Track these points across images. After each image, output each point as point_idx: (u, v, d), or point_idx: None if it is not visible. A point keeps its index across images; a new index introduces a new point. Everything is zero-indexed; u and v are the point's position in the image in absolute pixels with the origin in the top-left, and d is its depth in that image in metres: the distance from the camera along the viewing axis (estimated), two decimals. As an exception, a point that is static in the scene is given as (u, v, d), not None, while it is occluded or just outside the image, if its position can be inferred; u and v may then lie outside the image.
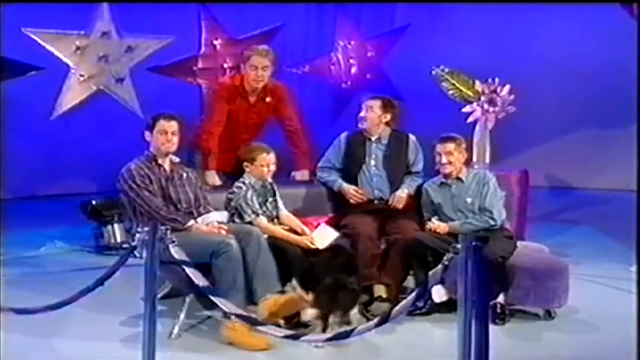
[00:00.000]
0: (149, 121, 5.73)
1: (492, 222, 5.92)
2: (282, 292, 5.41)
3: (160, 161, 5.66)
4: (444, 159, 6.02)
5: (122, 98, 8.97)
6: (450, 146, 6.02)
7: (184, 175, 5.74)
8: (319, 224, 5.98)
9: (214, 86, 6.88)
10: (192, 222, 5.56)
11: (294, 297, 5.36)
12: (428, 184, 6.21)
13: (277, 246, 5.58)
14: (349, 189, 6.32)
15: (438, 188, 6.13)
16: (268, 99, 6.68)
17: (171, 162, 5.74)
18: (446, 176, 6.08)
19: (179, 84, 9.03)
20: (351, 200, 6.31)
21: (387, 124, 6.39)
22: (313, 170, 6.66)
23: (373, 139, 6.38)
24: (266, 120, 6.82)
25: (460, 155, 6.05)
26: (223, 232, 5.51)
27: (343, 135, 6.50)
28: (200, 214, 5.65)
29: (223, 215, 5.74)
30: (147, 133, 5.69)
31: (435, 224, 5.97)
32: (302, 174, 6.74)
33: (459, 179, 6.07)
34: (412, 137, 6.46)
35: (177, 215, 5.55)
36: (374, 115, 6.33)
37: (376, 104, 6.35)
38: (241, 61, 6.75)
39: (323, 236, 5.80)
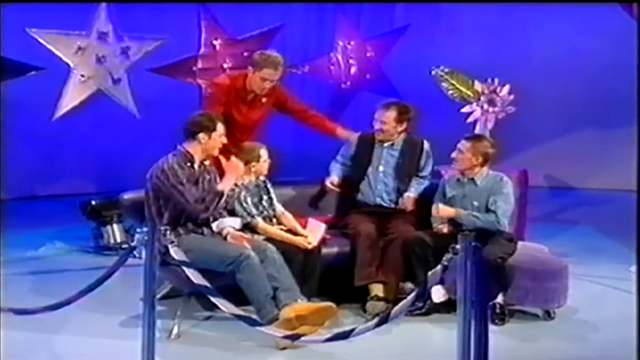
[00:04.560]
0: (207, 124, 5.59)
1: (498, 226, 5.83)
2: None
3: (195, 163, 5.61)
4: (453, 154, 5.97)
5: (118, 99, 8.95)
6: (466, 144, 5.94)
7: (207, 177, 5.68)
8: (307, 222, 6.01)
9: (210, 88, 6.66)
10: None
11: (328, 306, 5.33)
12: (447, 177, 6.16)
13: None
14: (328, 180, 6.29)
15: (454, 184, 6.04)
16: (264, 100, 6.45)
17: (202, 163, 5.69)
18: (460, 173, 6.01)
19: (178, 84, 9.02)
20: (326, 189, 6.27)
21: (403, 130, 6.29)
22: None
23: (385, 144, 6.30)
24: (263, 120, 6.57)
25: (471, 156, 5.91)
26: (245, 242, 5.49)
27: (357, 134, 6.42)
28: (215, 218, 5.64)
29: (236, 222, 5.70)
30: (202, 135, 5.56)
31: (441, 207, 5.91)
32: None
33: (472, 180, 5.97)
34: (426, 143, 6.33)
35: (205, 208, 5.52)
36: (389, 127, 6.21)
37: (391, 116, 6.20)
38: (248, 62, 6.48)
39: (315, 231, 5.85)
